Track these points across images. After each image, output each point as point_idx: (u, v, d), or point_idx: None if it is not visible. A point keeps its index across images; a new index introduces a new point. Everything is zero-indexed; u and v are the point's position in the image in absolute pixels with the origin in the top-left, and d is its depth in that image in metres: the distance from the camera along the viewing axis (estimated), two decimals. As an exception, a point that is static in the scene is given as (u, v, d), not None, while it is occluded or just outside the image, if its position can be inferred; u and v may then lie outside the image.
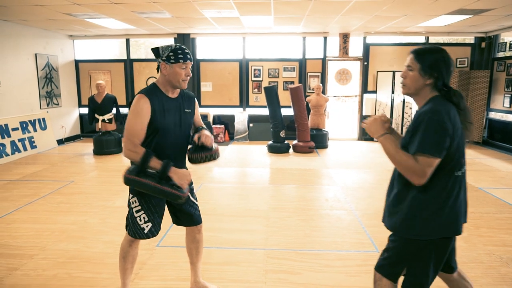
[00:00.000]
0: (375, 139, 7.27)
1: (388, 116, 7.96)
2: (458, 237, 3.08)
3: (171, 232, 3.34)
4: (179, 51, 1.96)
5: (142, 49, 10.96)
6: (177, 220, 2.26)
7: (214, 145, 2.14)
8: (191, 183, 2.17)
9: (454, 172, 1.54)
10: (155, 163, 1.88)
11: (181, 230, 2.36)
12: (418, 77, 1.58)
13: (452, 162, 1.52)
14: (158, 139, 2.00)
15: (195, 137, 2.08)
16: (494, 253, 2.96)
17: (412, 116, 7.92)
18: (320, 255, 2.95)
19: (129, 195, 2.10)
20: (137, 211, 2.06)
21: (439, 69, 1.55)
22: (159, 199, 2.09)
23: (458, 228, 1.58)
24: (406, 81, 1.62)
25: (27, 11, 5.71)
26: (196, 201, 2.28)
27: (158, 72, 2.04)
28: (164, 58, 1.96)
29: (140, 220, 2.07)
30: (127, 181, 1.88)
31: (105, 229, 3.47)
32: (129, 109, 1.99)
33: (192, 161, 2.11)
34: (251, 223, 3.62)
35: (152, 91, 1.99)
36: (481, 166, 6.01)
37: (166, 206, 2.20)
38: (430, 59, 1.56)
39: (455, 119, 1.50)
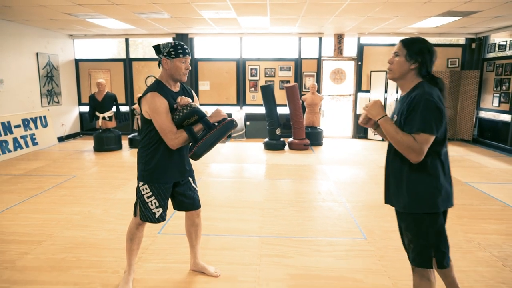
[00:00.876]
0: (372, 131, 7.35)
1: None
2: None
3: (171, 221, 3.53)
4: (179, 46, 2.17)
5: (139, 49, 11.13)
6: (179, 206, 2.45)
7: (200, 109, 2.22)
8: (192, 170, 2.40)
9: (443, 148, 1.74)
10: (198, 128, 2.19)
11: (181, 219, 2.55)
12: (403, 62, 1.76)
13: (442, 140, 1.72)
14: None
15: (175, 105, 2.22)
16: (474, 240, 3.17)
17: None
18: (312, 241, 3.15)
19: (138, 183, 2.29)
20: (148, 197, 2.25)
21: (423, 56, 1.74)
22: (169, 186, 2.30)
23: (452, 200, 1.77)
24: (392, 66, 1.81)
25: (30, 11, 5.88)
26: (196, 187, 2.48)
27: (160, 68, 2.23)
28: (165, 54, 2.17)
29: (152, 205, 2.26)
30: (198, 154, 2.17)
31: (108, 218, 3.66)
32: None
33: (195, 155, 2.20)
34: (247, 213, 3.81)
35: (160, 88, 2.18)
36: (469, 163, 6.24)
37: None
38: (416, 46, 1.76)
39: (443, 101, 1.70)
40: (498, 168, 5.89)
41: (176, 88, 2.27)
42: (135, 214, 2.34)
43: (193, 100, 2.36)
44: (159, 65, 2.24)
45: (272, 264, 2.74)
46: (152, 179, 2.23)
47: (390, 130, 1.72)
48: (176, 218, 3.57)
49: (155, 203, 2.26)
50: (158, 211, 2.28)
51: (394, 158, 1.81)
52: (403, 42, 1.78)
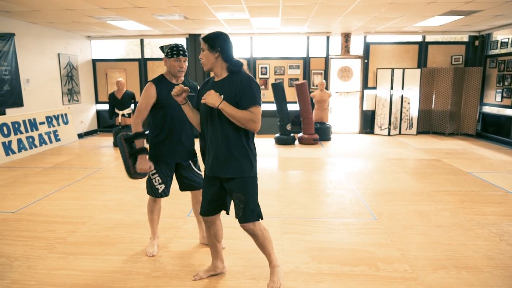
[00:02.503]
0: (381, 129, 7.69)
1: (388, 110, 8.51)
2: (443, 208, 3.70)
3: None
4: (174, 48, 2.58)
5: (147, 49, 11.52)
6: (182, 186, 2.84)
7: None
8: (195, 155, 2.78)
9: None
10: (140, 143, 2.58)
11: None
12: (208, 54, 2.10)
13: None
14: (168, 115, 2.60)
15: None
16: (473, 219, 3.49)
17: (410, 110, 8.39)
18: (327, 222, 3.49)
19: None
20: (153, 174, 2.69)
21: (221, 45, 2.09)
22: (171, 166, 2.70)
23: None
24: (203, 61, 2.13)
25: (57, 15, 6.27)
26: (200, 171, 2.82)
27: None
28: (165, 54, 2.62)
29: (155, 182, 2.70)
30: (118, 139, 2.58)
31: (140, 203, 4.02)
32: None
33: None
34: (266, 199, 4.15)
35: (159, 80, 2.64)
36: (472, 155, 6.53)
37: (174, 174, 2.78)
38: (214, 39, 2.09)
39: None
40: (500, 159, 6.18)
41: (177, 81, 2.66)
42: (147, 190, 2.78)
43: (195, 91, 2.65)
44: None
45: (293, 240, 3.09)
46: (156, 158, 2.66)
47: (231, 111, 2.02)
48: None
49: (158, 180, 2.69)
50: (161, 187, 2.70)
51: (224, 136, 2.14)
52: (203, 39, 2.13)
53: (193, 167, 2.80)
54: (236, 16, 6.53)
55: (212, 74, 2.27)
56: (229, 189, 2.22)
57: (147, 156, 2.62)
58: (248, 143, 2.19)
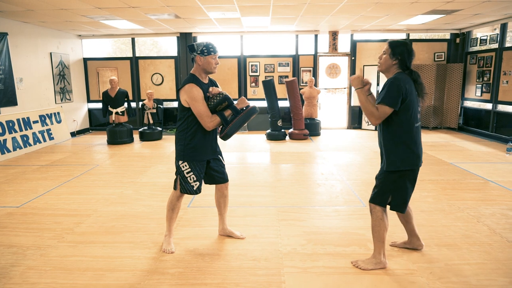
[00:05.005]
0: (368, 124, 8.03)
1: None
2: (426, 195, 3.98)
3: (197, 197, 4.08)
4: (210, 46, 2.67)
5: (135, 47, 11.56)
6: (210, 180, 2.95)
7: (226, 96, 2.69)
8: (220, 150, 2.93)
9: (414, 123, 2.36)
10: (228, 113, 2.70)
11: (204, 196, 3.07)
12: (388, 58, 2.39)
13: (408, 115, 2.32)
14: None
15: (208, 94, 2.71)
16: (454, 205, 3.78)
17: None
18: (319, 209, 3.73)
19: (178, 161, 2.78)
20: (188, 173, 2.76)
21: (403, 55, 2.36)
22: (203, 163, 2.80)
23: (420, 162, 2.41)
24: (380, 61, 2.44)
25: (50, 14, 6.34)
26: (225, 163, 3.01)
27: (193, 63, 2.74)
28: (199, 52, 2.66)
29: (190, 179, 2.77)
30: (229, 135, 2.69)
31: (141, 197, 4.19)
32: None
33: (226, 136, 2.74)
34: (261, 190, 4.38)
35: (195, 80, 2.69)
36: (454, 147, 6.88)
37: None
38: (398, 48, 2.37)
39: (410, 87, 2.32)
40: (479, 150, 6.54)
41: (206, 80, 2.78)
42: (175, 188, 2.84)
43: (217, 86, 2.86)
44: (192, 61, 2.76)
45: (289, 226, 3.32)
46: (190, 157, 2.74)
47: (362, 98, 2.38)
48: (200, 194, 4.12)
49: (193, 177, 2.77)
50: (195, 184, 2.79)
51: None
52: (389, 43, 2.41)
53: (222, 160, 2.96)
54: (227, 15, 6.71)
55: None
56: None
57: (231, 102, 2.72)
58: (402, 138, 2.38)
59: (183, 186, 2.79)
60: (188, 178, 2.77)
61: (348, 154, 6.42)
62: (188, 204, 3.88)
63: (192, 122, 2.70)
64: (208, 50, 2.65)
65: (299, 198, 4.09)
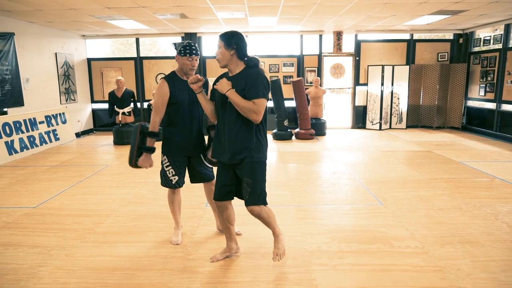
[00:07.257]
0: (372, 124, 8.05)
1: (379, 106, 8.87)
2: (441, 193, 4.00)
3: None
4: (187, 47, 2.69)
5: (133, 48, 11.54)
6: (192, 178, 2.98)
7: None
8: (204, 149, 2.90)
9: None
10: (151, 142, 2.75)
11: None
12: (224, 51, 2.30)
13: None
14: (180, 110, 2.74)
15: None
16: (470, 203, 3.83)
17: (400, 105, 8.77)
18: (337, 208, 3.75)
19: (161, 155, 2.86)
20: (167, 167, 2.85)
21: (237, 42, 2.27)
22: (183, 159, 2.85)
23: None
24: (218, 57, 2.33)
25: (58, 14, 6.31)
26: (209, 165, 2.95)
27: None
28: (178, 51, 2.72)
29: (169, 173, 2.85)
30: (135, 127, 2.74)
31: (157, 196, 4.19)
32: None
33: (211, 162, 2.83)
34: (278, 190, 4.39)
35: (170, 77, 2.76)
36: (461, 146, 6.94)
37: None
38: (230, 37, 2.28)
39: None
40: (486, 149, 6.61)
41: (187, 78, 2.75)
42: (161, 182, 2.93)
43: (206, 86, 2.78)
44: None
45: (310, 224, 3.34)
46: (170, 151, 2.82)
47: (236, 99, 2.23)
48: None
49: (172, 171, 2.84)
50: (174, 179, 2.85)
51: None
52: (220, 36, 2.32)
53: (203, 160, 2.96)
54: (235, 16, 6.72)
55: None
56: (240, 174, 2.41)
57: (151, 155, 2.79)
58: (259, 132, 2.39)
59: (163, 180, 2.91)
60: (167, 172, 2.85)
61: (355, 154, 6.45)
62: (205, 204, 3.88)
63: (170, 119, 2.78)
64: (184, 51, 2.68)
65: (315, 197, 4.11)
